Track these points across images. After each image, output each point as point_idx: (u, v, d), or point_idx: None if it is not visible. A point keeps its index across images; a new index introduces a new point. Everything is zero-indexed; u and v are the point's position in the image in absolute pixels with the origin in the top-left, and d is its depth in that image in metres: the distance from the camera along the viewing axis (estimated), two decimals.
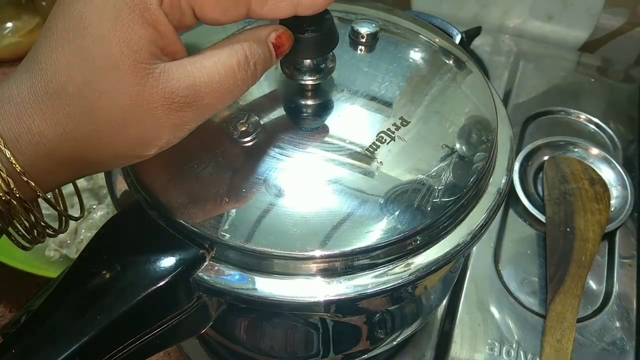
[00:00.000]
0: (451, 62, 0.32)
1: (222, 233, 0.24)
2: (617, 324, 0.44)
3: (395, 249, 0.24)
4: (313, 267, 0.24)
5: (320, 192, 0.25)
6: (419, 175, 0.26)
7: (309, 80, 0.27)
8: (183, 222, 0.24)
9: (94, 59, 0.20)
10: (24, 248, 0.24)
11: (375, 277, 0.24)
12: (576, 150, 0.56)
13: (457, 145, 0.27)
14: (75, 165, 0.22)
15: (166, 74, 0.20)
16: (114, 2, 0.20)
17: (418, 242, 0.25)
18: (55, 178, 0.23)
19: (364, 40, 0.31)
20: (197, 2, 0.22)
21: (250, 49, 0.22)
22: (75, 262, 0.24)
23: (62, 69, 0.20)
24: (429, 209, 0.25)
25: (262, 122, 0.27)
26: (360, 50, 0.31)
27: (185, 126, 0.22)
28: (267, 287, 0.24)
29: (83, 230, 0.48)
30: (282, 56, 0.24)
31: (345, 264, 0.24)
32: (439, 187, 0.25)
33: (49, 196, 0.23)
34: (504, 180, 0.28)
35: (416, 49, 0.32)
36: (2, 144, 0.20)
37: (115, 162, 0.23)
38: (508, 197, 0.52)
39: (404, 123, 0.28)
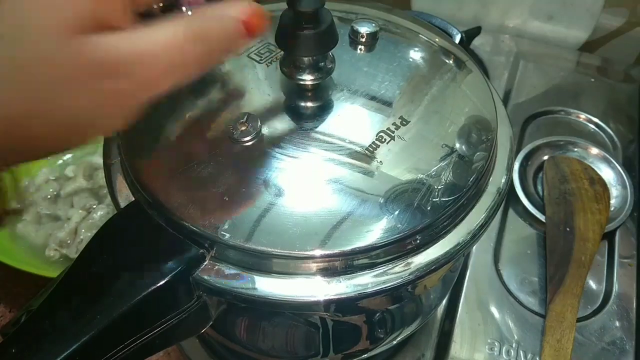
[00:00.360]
0: (451, 61, 0.32)
1: (222, 233, 0.23)
2: (617, 324, 0.44)
3: (395, 249, 0.24)
4: (313, 266, 0.24)
5: (320, 192, 0.25)
6: (419, 175, 0.26)
7: (308, 80, 0.27)
8: (183, 222, 0.24)
9: (22, 27, 0.18)
10: None
11: (375, 276, 0.24)
12: (576, 150, 0.56)
13: (457, 145, 0.27)
14: (7, 148, 0.20)
15: (92, 42, 0.19)
16: None
17: (418, 241, 0.25)
18: None
19: (363, 40, 0.31)
20: None
21: (208, 23, 0.21)
22: (75, 262, 0.24)
23: None
24: (428, 208, 0.25)
25: (262, 122, 0.27)
26: (360, 49, 0.31)
27: (123, 103, 0.20)
28: (267, 286, 0.24)
29: (83, 230, 0.48)
30: (256, 36, 0.22)
31: (345, 264, 0.24)
32: (439, 187, 0.25)
33: None
34: (503, 180, 0.28)
35: (416, 49, 0.32)
36: None
37: (54, 143, 0.21)
38: (508, 197, 0.52)
39: (404, 122, 0.28)
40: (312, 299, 0.24)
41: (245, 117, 0.27)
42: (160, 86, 0.20)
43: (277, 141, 0.26)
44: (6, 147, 0.20)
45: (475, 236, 0.26)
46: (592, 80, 0.66)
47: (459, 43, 0.48)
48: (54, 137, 0.21)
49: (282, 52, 0.28)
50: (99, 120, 0.20)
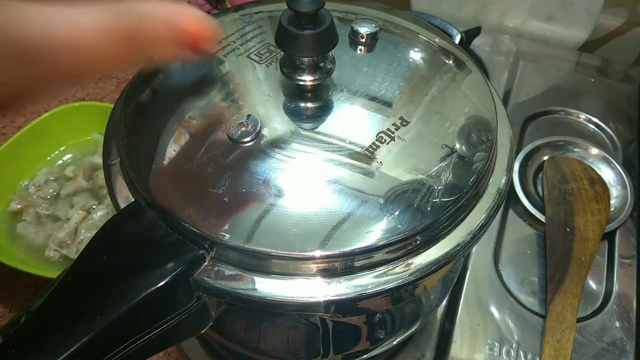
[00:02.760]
0: (451, 62, 0.32)
1: (222, 233, 0.23)
2: (617, 324, 0.44)
3: (395, 249, 0.24)
4: (313, 267, 0.24)
5: (320, 192, 0.25)
6: (419, 175, 0.26)
7: (308, 80, 0.27)
8: (183, 222, 0.24)
9: None
10: None
11: (375, 277, 0.24)
12: (576, 150, 0.56)
13: (457, 145, 0.27)
14: None
15: (10, 17, 0.17)
16: None
17: (418, 242, 0.25)
18: None
19: (363, 40, 0.31)
20: None
21: (136, 22, 0.18)
22: (75, 262, 0.24)
23: None
24: (428, 209, 0.25)
25: (261, 123, 0.27)
26: (360, 50, 0.31)
27: (33, 85, 0.18)
28: (267, 287, 0.24)
29: (83, 231, 0.48)
30: (199, 51, 0.20)
31: (345, 264, 0.24)
32: (439, 187, 0.25)
33: None
34: (503, 180, 0.28)
35: (416, 49, 0.32)
36: None
37: None
38: (508, 197, 0.52)
39: (404, 123, 0.28)
40: (312, 299, 0.24)
41: (245, 117, 0.27)
42: (76, 76, 0.19)
43: (277, 142, 0.26)
44: None
45: (475, 237, 0.26)
46: (592, 80, 0.66)
47: (459, 43, 0.48)
48: None
49: (282, 53, 0.28)
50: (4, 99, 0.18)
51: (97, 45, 0.18)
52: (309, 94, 0.28)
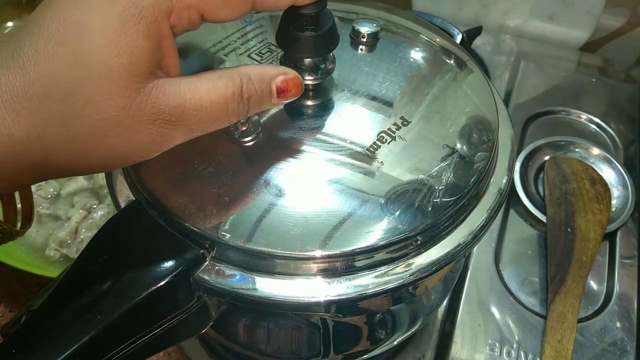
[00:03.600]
0: (452, 61, 0.32)
1: (223, 233, 0.23)
2: (618, 325, 0.44)
3: (396, 249, 0.24)
4: (313, 267, 0.24)
5: (321, 192, 0.25)
6: (420, 175, 0.26)
7: (309, 80, 0.27)
8: (183, 222, 0.24)
9: (88, 67, 0.19)
10: None
11: (376, 277, 0.24)
12: (577, 150, 0.56)
13: (458, 145, 0.27)
14: (41, 170, 0.21)
15: (158, 90, 0.20)
16: (120, 13, 0.19)
17: (419, 242, 0.25)
18: (16, 180, 0.21)
19: (364, 40, 0.31)
20: (206, 8, 0.21)
21: (248, 84, 0.22)
22: (75, 262, 0.24)
23: (49, 72, 0.19)
24: (429, 209, 0.25)
25: (262, 122, 0.27)
26: (361, 50, 0.31)
27: (166, 144, 0.21)
28: (268, 287, 0.24)
29: (83, 230, 0.48)
30: (286, 101, 0.24)
31: (345, 264, 0.24)
32: (440, 187, 0.25)
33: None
34: (504, 181, 0.28)
35: (417, 49, 0.32)
36: None
37: (87, 170, 0.22)
38: (509, 197, 0.52)
39: (405, 123, 0.27)
40: (313, 299, 0.24)
41: None
42: (199, 133, 0.22)
43: (278, 141, 0.26)
44: (37, 175, 0.21)
45: (476, 237, 0.26)
46: (593, 80, 0.65)
47: (460, 43, 0.48)
48: (86, 169, 0.22)
49: (282, 52, 0.28)
50: (134, 158, 0.22)
51: (220, 106, 0.21)
52: (310, 94, 0.28)
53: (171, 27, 0.21)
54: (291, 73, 0.24)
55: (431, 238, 0.25)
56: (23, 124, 0.19)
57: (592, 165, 0.54)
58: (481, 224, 0.26)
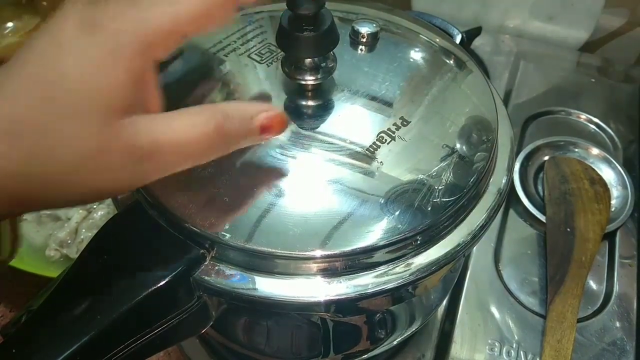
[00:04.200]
0: (451, 62, 0.32)
1: (223, 233, 0.23)
2: (618, 324, 0.44)
3: (396, 249, 0.24)
4: (313, 267, 0.24)
5: (321, 192, 0.25)
6: (420, 175, 0.26)
7: (309, 80, 0.27)
8: (183, 223, 0.24)
9: (63, 106, 0.19)
10: None
11: (376, 277, 0.24)
12: (576, 150, 0.56)
13: (458, 145, 0.27)
14: (17, 203, 0.21)
15: (133, 126, 0.20)
16: (98, 51, 0.19)
17: (418, 242, 0.25)
18: None
19: (364, 40, 0.31)
20: (189, 29, 0.21)
21: (228, 121, 0.22)
22: (75, 262, 0.24)
23: (22, 110, 0.19)
24: (429, 208, 0.25)
25: None
26: (361, 50, 0.31)
27: (143, 180, 0.21)
28: (268, 287, 0.24)
29: (83, 230, 0.48)
30: (270, 137, 0.24)
31: (345, 264, 0.24)
32: (440, 187, 0.25)
33: None
34: (504, 180, 0.28)
35: (417, 49, 0.32)
36: None
37: (65, 204, 0.22)
38: (508, 197, 0.52)
39: (405, 123, 0.28)
40: (313, 299, 0.24)
41: None
42: (173, 169, 0.22)
43: (278, 141, 0.26)
44: (14, 205, 0.21)
45: (476, 237, 0.26)
46: (593, 80, 0.66)
47: (460, 43, 0.48)
48: (63, 203, 0.22)
49: (282, 52, 0.28)
50: (111, 192, 0.22)
51: (196, 142, 0.21)
52: (310, 94, 0.28)
53: (153, 57, 0.20)
54: (273, 110, 0.23)
55: (431, 238, 0.25)
56: (3, 157, 0.19)
57: (592, 165, 0.54)
58: (481, 224, 0.26)
